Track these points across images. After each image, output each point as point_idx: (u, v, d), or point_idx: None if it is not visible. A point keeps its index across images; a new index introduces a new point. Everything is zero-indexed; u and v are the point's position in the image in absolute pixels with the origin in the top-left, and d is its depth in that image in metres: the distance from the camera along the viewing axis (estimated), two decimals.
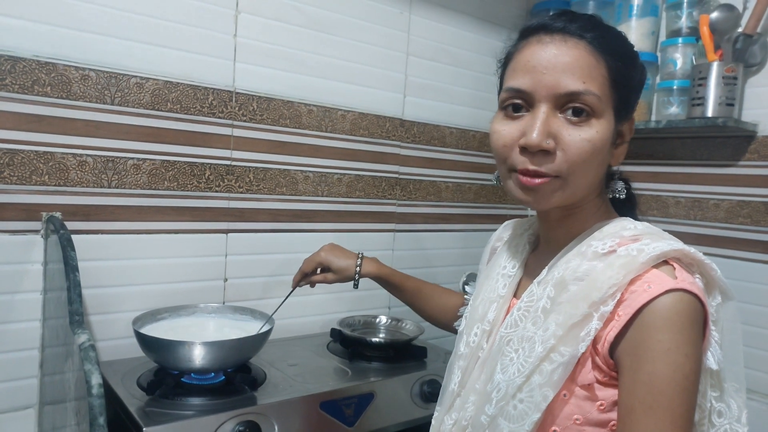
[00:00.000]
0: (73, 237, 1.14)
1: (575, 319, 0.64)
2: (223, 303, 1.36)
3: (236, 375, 1.07)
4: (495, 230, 0.97)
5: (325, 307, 1.52)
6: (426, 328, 1.39)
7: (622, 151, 0.73)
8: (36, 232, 1.12)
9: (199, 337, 1.11)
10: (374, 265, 1.12)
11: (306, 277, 1.15)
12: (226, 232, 1.36)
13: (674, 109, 1.45)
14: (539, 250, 0.81)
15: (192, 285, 1.32)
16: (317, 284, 1.16)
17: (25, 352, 1.12)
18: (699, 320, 0.62)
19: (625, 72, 0.69)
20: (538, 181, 0.67)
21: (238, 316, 1.25)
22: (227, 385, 1.07)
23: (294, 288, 1.16)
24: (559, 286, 0.68)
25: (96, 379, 0.77)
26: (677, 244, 0.66)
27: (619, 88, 0.68)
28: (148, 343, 1.02)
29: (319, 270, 1.15)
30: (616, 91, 0.68)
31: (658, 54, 1.54)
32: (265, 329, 1.09)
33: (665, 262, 0.64)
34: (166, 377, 1.04)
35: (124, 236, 1.21)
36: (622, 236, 0.68)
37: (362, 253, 1.14)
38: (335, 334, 1.40)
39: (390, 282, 1.12)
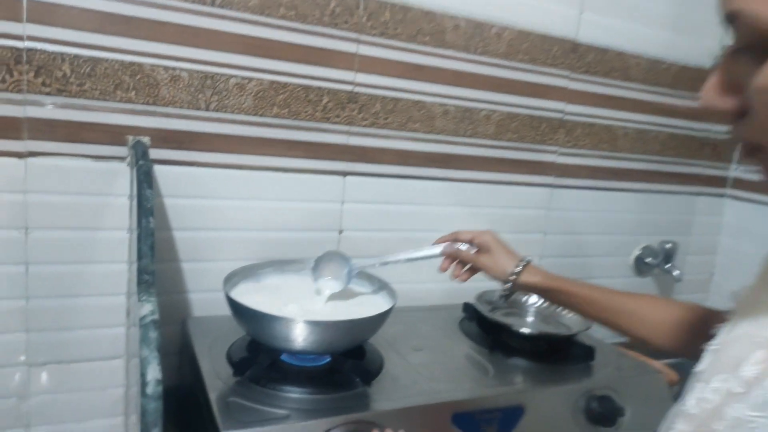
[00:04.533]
0: (163, 168, 0.95)
1: None
2: None
3: (346, 361, 0.83)
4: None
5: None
6: None
7: None
8: (121, 159, 0.92)
9: (304, 307, 0.88)
10: (538, 275, 0.84)
11: (455, 243, 0.88)
12: (344, 174, 1.10)
13: None
14: None
15: (300, 235, 1.08)
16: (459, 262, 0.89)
17: (110, 298, 0.95)
18: None
19: None
20: None
21: (353, 280, 1.00)
22: (333, 371, 0.83)
23: (434, 248, 0.89)
24: None
25: (153, 373, 0.55)
26: None
27: None
28: (240, 312, 0.80)
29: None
30: None
31: None
32: (385, 307, 0.82)
33: None
34: (260, 355, 0.82)
35: (222, 171, 0.99)
36: None
37: (528, 259, 0.85)
38: (470, 310, 1.12)
39: (561, 294, 0.83)
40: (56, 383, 0.94)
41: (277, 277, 0.97)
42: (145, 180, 0.77)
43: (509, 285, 0.83)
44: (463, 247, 0.88)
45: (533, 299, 1.13)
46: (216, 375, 0.79)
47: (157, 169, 0.94)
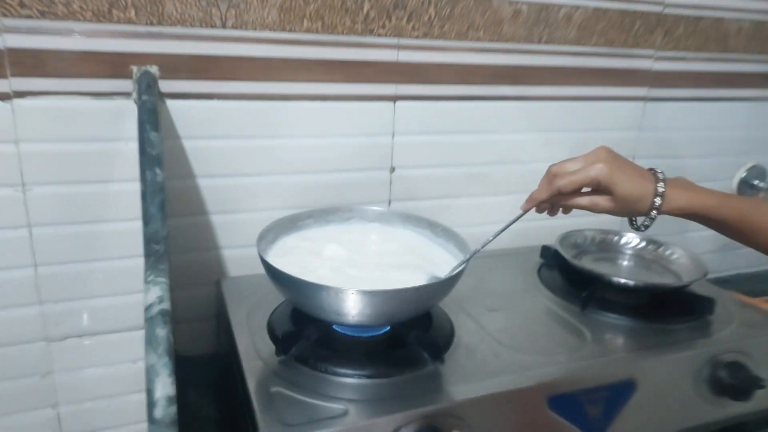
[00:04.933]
0: (178, 104, 0.79)
1: None
2: (389, 204, 0.95)
3: (409, 330, 0.67)
4: None
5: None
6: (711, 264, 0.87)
7: None
8: (126, 95, 0.76)
9: (354, 267, 0.72)
10: (681, 197, 0.63)
11: (560, 197, 0.65)
12: (394, 98, 0.91)
13: None
14: None
15: (345, 176, 0.91)
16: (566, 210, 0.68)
17: (129, 260, 0.82)
18: None
19: None
20: None
21: (411, 228, 0.83)
22: (395, 343, 0.68)
23: (523, 213, 0.68)
24: None
25: (163, 389, 0.40)
26: None
27: None
28: (280, 279, 0.64)
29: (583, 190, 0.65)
30: None
31: None
32: (457, 270, 0.66)
33: None
34: (307, 327, 0.67)
35: (248, 103, 0.82)
36: None
37: (662, 173, 0.64)
38: (549, 255, 0.94)
39: (713, 219, 0.64)
40: (80, 358, 0.83)
41: (321, 229, 0.81)
42: (148, 120, 0.61)
43: (654, 215, 0.63)
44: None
45: (627, 238, 0.94)
46: (256, 354, 0.66)
47: (171, 104, 0.78)
